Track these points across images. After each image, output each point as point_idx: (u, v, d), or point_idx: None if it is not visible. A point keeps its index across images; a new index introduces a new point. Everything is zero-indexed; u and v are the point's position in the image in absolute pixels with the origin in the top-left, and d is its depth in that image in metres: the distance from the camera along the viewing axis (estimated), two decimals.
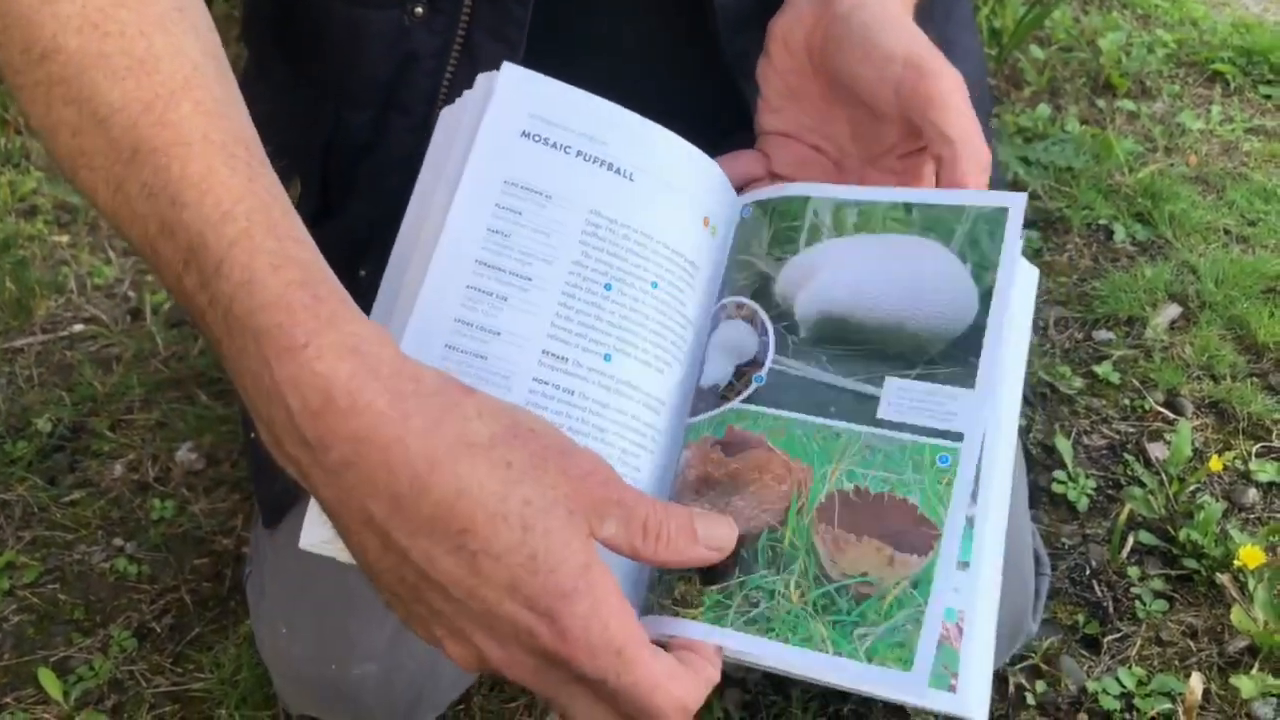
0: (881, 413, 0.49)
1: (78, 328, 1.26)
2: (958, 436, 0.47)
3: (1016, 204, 0.52)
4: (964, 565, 0.46)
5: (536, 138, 0.51)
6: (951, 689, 0.44)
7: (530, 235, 0.49)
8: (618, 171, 0.52)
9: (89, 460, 1.10)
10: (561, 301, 0.49)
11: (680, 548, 0.43)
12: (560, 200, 0.50)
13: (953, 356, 0.49)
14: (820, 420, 0.49)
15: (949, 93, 0.51)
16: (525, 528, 0.39)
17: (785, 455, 0.49)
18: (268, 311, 0.39)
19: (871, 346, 0.51)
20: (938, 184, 0.52)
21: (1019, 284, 0.51)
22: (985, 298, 0.50)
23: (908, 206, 0.53)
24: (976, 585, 0.46)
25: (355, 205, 0.68)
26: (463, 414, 0.39)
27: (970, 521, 0.46)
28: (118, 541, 1.02)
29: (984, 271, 0.51)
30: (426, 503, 0.38)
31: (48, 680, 0.88)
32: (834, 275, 0.53)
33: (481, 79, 0.51)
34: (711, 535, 0.45)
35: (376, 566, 0.41)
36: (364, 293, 0.70)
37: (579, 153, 0.51)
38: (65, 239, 1.39)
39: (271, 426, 0.40)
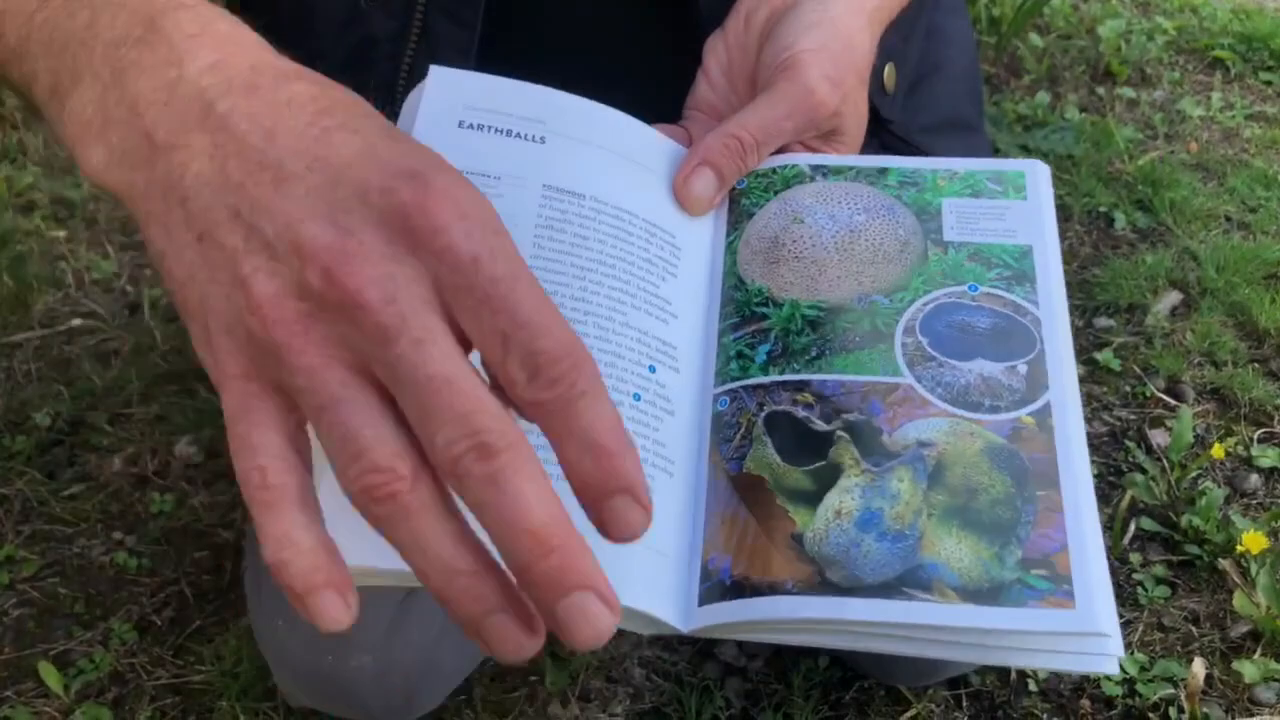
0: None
1: (76, 322, 1.26)
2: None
3: (1035, 169, 0.52)
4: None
5: (474, 126, 0.50)
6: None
7: None
8: (565, 145, 0.51)
9: (88, 454, 1.09)
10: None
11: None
12: (510, 179, 0.49)
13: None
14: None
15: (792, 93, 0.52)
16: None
17: None
18: None
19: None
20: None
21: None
22: (923, 218, 0.51)
23: (882, 170, 0.53)
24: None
25: None
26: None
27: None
28: (117, 535, 1.02)
29: (925, 207, 0.52)
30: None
31: (48, 674, 0.88)
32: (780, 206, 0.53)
33: (414, 92, 0.51)
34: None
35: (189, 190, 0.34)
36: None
37: (519, 134, 0.50)
38: (63, 234, 1.39)
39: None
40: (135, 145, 0.35)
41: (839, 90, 0.53)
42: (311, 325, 0.32)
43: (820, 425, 0.45)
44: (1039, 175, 0.53)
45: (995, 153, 1.34)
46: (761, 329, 0.49)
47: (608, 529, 0.33)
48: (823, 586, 0.41)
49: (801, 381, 0.47)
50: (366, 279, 0.31)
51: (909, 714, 0.86)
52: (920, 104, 0.75)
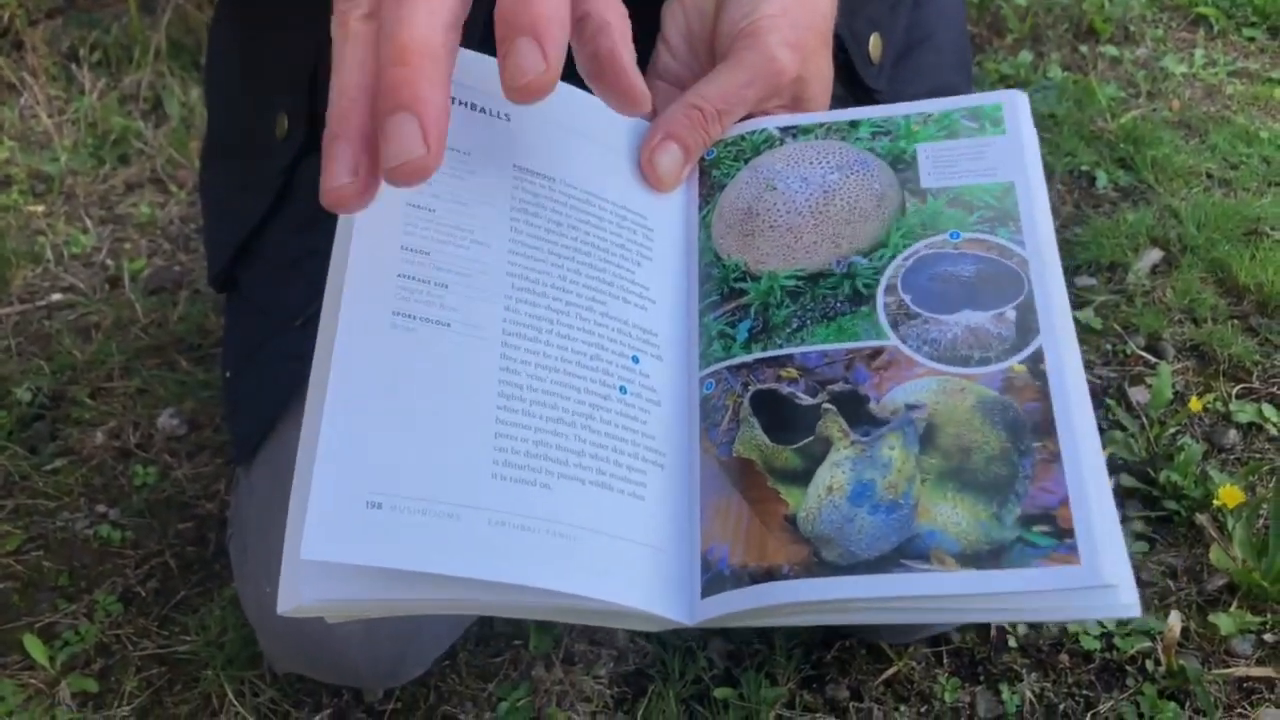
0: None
1: (56, 297, 1.25)
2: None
3: (1013, 99, 0.51)
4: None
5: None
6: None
7: (459, 192, 0.46)
8: (531, 125, 0.49)
9: (70, 428, 1.09)
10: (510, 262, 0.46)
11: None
12: (481, 156, 0.48)
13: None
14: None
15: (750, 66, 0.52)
16: None
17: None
18: None
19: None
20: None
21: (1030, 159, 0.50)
22: (899, 166, 0.50)
23: (853, 123, 0.52)
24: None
25: None
26: None
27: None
28: (100, 508, 1.02)
29: (900, 154, 0.50)
30: None
31: (33, 646, 0.88)
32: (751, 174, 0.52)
33: None
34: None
35: None
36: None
37: (484, 110, 0.49)
38: (40, 209, 1.38)
39: None
40: None
41: (800, 54, 0.53)
42: None
43: (805, 400, 0.45)
44: (1018, 106, 0.51)
45: None
46: (741, 305, 0.48)
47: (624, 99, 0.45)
48: (819, 567, 0.40)
49: (784, 356, 0.46)
50: None
51: (890, 671, 0.87)
52: (909, 74, 0.74)
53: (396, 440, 0.40)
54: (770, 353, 0.46)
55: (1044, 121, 1.48)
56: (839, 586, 0.40)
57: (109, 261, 1.31)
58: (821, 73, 0.55)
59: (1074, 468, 0.40)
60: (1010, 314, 0.44)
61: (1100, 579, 0.38)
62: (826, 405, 0.44)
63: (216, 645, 0.90)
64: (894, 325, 0.45)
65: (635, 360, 0.47)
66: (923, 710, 0.85)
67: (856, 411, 0.44)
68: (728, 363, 0.47)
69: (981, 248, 0.46)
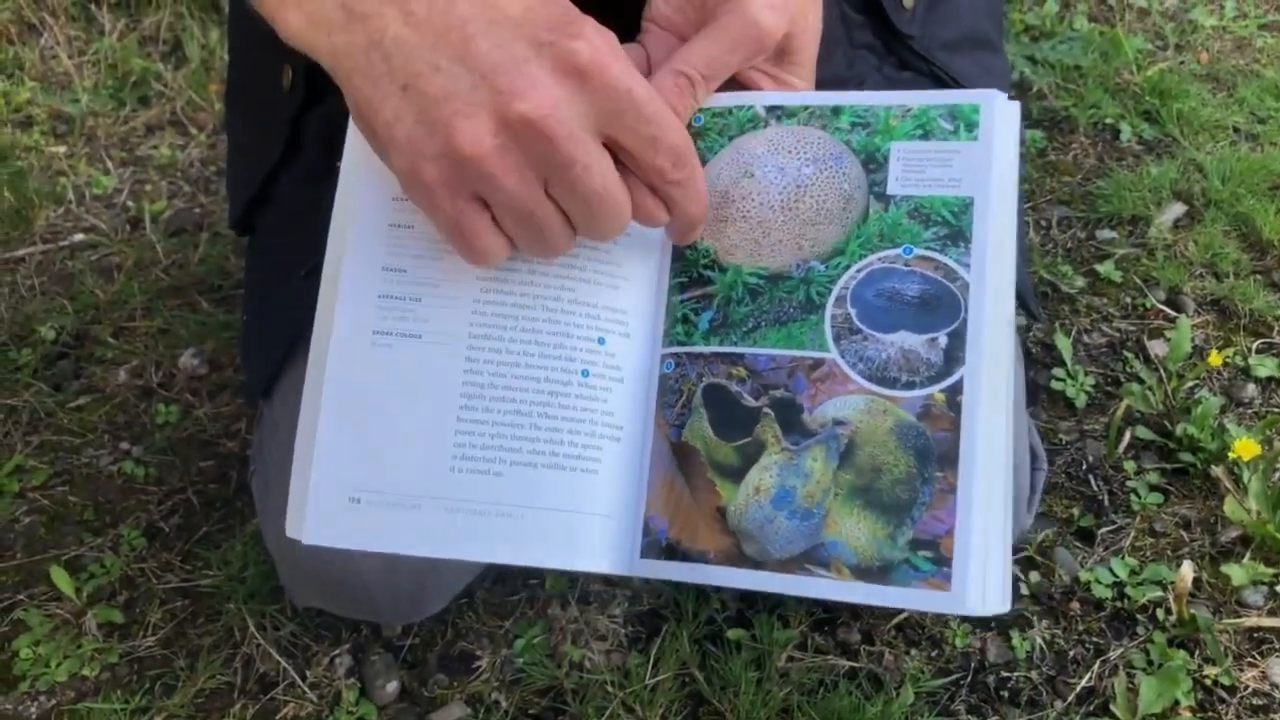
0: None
1: (78, 237, 1.26)
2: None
3: (990, 100, 0.50)
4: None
5: None
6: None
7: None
8: None
9: (93, 367, 1.10)
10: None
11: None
12: None
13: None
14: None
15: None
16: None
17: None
18: None
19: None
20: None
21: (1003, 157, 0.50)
22: (869, 166, 0.51)
23: (836, 109, 0.53)
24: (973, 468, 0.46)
25: (333, 96, 0.68)
26: None
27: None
28: (124, 445, 1.03)
29: (873, 150, 0.51)
30: None
31: (60, 578, 0.90)
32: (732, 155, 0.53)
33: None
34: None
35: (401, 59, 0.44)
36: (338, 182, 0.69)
37: None
38: (62, 149, 1.39)
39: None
40: (332, 13, 0.45)
41: (784, 15, 0.52)
42: (507, 154, 0.43)
43: (749, 401, 0.49)
44: (995, 107, 0.49)
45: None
46: (706, 294, 0.51)
47: (685, 240, 0.52)
48: (739, 559, 0.47)
49: (737, 355, 0.50)
50: (555, 119, 0.43)
51: (901, 616, 0.88)
52: (941, 19, 0.74)
53: (374, 444, 0.49)
54: (726, 348, 0.50)
55: (1069, 74, 1.46)
56: (751, 579, 0.47)
57: (130, 203, 1.31)
58: (810, 25, 0.55)
59: (965, 503, 0.45)
60: (942, 340, 0.47)
61: (964, 608, 0.44)
62: (766, 410, 0.49)
63: (238, 580, 0.91)
64: (836, 339, 0.49)
65: (601, 342, 0.51)
66: (933, 655, 0.86)
67: (791, 420, 0.48)
68: (688, 349, 0.51)
69: (929, 266, 0.48)
